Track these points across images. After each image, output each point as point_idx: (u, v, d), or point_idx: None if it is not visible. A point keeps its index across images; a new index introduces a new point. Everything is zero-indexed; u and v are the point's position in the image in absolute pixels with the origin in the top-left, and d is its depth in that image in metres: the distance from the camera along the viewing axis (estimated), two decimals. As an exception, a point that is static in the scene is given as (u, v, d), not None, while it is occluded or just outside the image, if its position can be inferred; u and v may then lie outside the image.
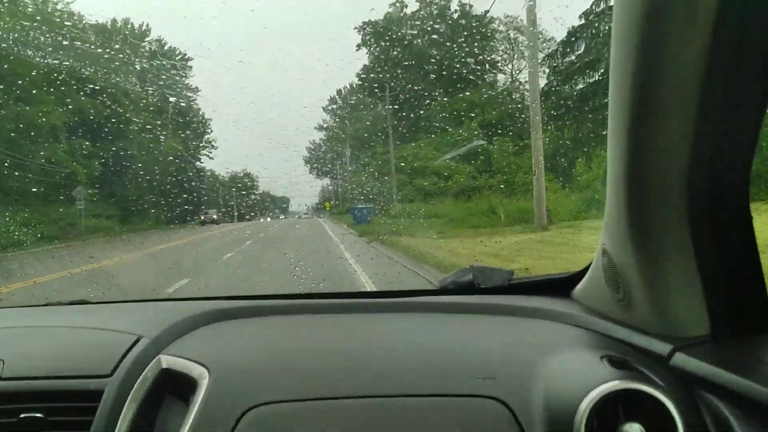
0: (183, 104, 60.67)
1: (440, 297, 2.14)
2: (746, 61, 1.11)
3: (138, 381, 1.59)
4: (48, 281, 12.98)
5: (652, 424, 1.22)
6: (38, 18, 35.52)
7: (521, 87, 46.49)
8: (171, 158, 50.71)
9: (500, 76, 50.61)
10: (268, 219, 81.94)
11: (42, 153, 34.70)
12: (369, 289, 8.02)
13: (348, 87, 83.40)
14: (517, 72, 50.48)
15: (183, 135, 58.07)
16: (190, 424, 1.42)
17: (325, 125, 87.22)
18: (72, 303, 2.34)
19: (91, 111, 37.32)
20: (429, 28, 44.97)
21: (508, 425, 1.37)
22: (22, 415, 1.53)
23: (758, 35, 1.09)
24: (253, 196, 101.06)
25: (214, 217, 51.46)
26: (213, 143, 74.31)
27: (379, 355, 1.67)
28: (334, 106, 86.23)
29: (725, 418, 1.17)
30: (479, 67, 46.70)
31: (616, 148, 1.31)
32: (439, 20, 46.62)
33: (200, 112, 69.73)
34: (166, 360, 1.66)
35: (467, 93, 41.32)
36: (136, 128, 43.98)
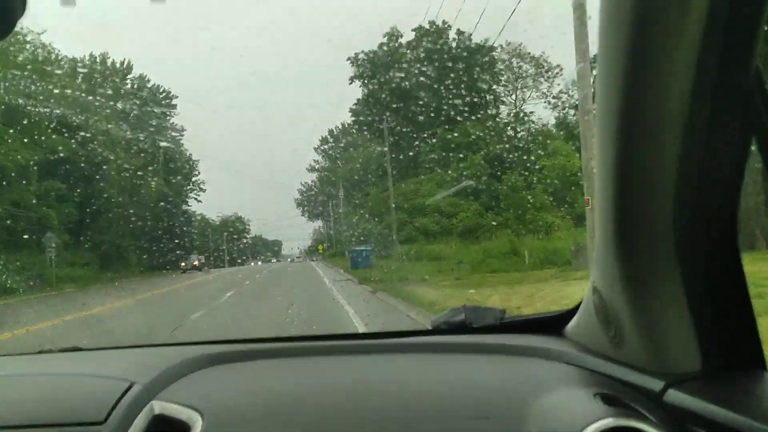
0: (169, 145, 58.39)
1: (432, 337, 2.10)
2: (731, 94, 1.11)
3: (131, 428, 1.58)
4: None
5: None
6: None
7: (526, 118, 44.13)
8: (156, 202, 48.18)
9: (503, 108, 48.56)
10: (259, 263, 79.35)
11: (8, 195, 31.68)
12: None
13: (340, 127, 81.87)
14: (522, 103, 48.88)
15: (170, 178, 55.68)
16: None
17: (316, 166, 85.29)
18: (64, 350, 2.30)
19: (65, 151, 34.58)
20: (417, 70, 43.63)
21: None
22: None
23: (742, 58, 1.09)
24: (245, 240, 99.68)
25: (195, 263, 47.31)
26: (201, 185, 71.77)
27: (372, 397, 1.67)
28: (326, 147, 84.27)
29: None
30: (478, 100, 44.59)
31: (603, 187, 1.31)
32: (434, 54, 44.46)
33: (187, 153, 67.56)
34: (159, 406, 1.65)
35: (469, 124, 39.00)
36: (114, 169, 41.34)
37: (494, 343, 1.93)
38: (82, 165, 37.68)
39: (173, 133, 59.94)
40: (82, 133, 37.65)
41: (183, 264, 45.81)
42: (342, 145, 79.70)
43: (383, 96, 45.50)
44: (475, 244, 30.01)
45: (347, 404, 1.63)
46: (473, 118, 40.61)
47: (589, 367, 1.65)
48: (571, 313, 1.88)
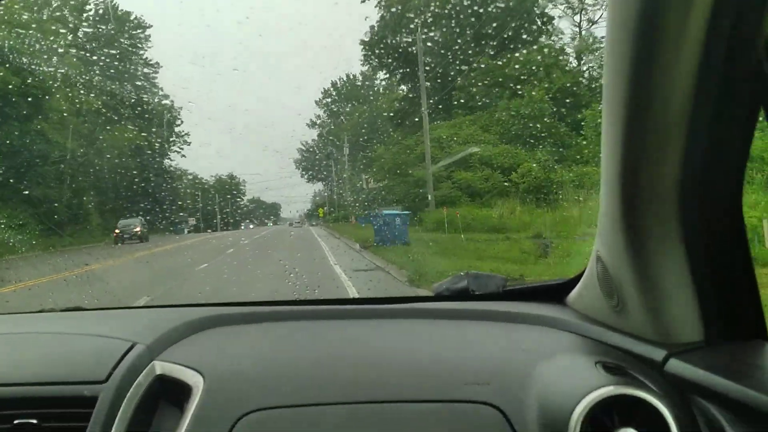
0: (142, 83, 49.31)
1: (435, 303, 2.14)
2: (740, 65, 1.12)
3: (132, 387, 1.58)
4: None
5: (646, 429, 1.23)
6: None
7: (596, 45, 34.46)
8: (128, 154, 39.64)
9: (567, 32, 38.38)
10: (251, 226, 71.74)
11: None
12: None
13: (344, 78, 73.17)
14: (589, 24, 37.82)
15: (144, 125, 46.87)
16: (185, 430, 1.43)
17: (318, 122, 76.47)
18: (67, 309, 2.34)
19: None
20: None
21: (502, 430, 1.38)
22: (16, 421, 1.54)
23: (747, 51, 1.11)
24: (240, 202, 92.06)
25: (137, 230, 35.21)
26: (185, 137, 63.36)
27: (374, 361, 1.67)
28: (328, 100, 75.50)
29: (719, 423, 1.18)
30: (531, 23, 34.89)
31: (609, 157, 1.32)
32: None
33: (168, 99, 58.64)
34: (161, 366, 1.65)
35: (520, 53, 29.97)
36: (65, 109, 32.39)
37: (496, 310, 1.93)
38: (14, 99, 28.64)
39: (145, 70, 50.56)
40: (21, 59, 28.71)
41: (116, 232, 33.93)
42: (344, 98, 71.43)
43: (409, 16, 35.98)
44: (541, 208, 21.44)
45: (347, 367, 1.63)
46: (528, 43, 31.68)
47: (590, 336, 1.65)
48: (574, 281, 1.88)
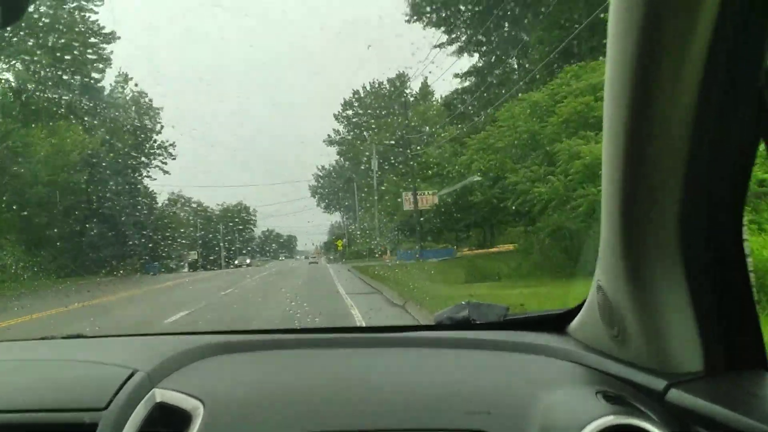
0: (98, 67, 37.77)
1: (436, 332, 2.12)
2: (739, 94, 1.13)
3: (132, 414, 1.58)
4: None
5: None
6: None
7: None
8: (76, 167, 28.41)
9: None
10: (247, 261, 59.15)
11: None
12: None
13: (367, 87, 61.70)
14: None
15: (100, 123, 35.43)
16: None
17: (337, 138, 64.89)
18: (68, 337, 2.33)
19: None
20: None
21: None
22: None
23: (747, 81, 1.12)
24: (252, 234, 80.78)
25: None
26: (169, 149, 51.72)
27: (374, 390, 1.69)
28: (350, 112, 63.92)
29: None
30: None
31: (608, 186, 1.34)
32: None
33: (144, 97, 47.23)
34: (161, 394, 1.66)
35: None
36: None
37: (497, 340, 1.95)
38: None
39: (93, 40, 38.47)
40: None
41: None
42: (369, 108, 59.94)
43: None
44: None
45: (348, 397, 1.65)
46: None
47: (591, 365, 1.66)
48: (575, 311, 1.88)
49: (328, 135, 63.38)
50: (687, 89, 1.12)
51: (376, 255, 41.75)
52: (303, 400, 1.61)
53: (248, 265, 54.72)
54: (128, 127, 40.34)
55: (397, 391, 1.65)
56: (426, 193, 32.00)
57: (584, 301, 1.80)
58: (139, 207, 38.57)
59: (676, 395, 1.31)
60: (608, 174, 1.33)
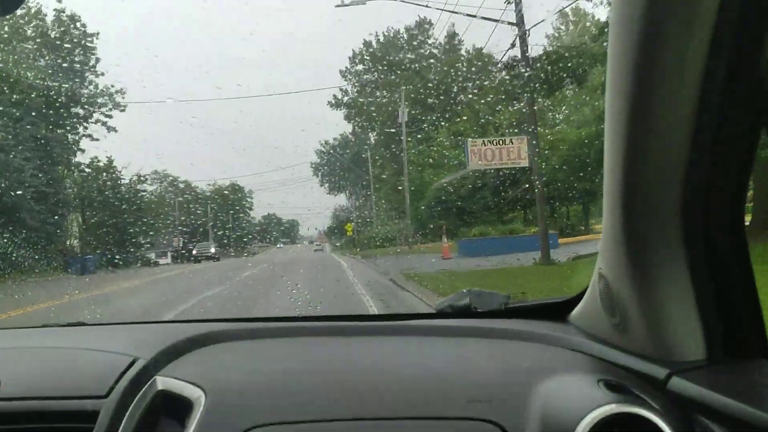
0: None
1: (437, 320, 2.15)
2: (742, 83, 1.14)
3: (134, 402, 1.59)
4: None
5: None
6: None
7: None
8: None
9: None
10: (210, 252, 45.15)
11: None
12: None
13: (381, 37, 50.66)
14: None
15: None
16: None
17: (345, 99, 53.72)
18: (69, 324, 2.37)
19: None
20: None
21: None
22: None
23: (749, 70, 1.12)
24: (248, 220, 70.42)
25: None
26: (116, 96, 40.37)
27: (375, 378, 1.70)
28: (360, 67, 52.78)
29: None
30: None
31: (610, 175, 1.34)
32: None
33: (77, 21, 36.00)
34: (162, 381, 1.67)
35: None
36: None
37: (498, 328, 1.95)
38: None
39: None
40: None
41: None
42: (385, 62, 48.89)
43: None
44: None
45: (350, 385, 1.64)
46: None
47: (593, 354, 1.66)
48: (576, 299, 1.89)
49: (333, 95, 52.22)
50: (688, 80, 1.11)
51: (400, 244, 32.90)
52: (303, 388, 1.61)
53: (215, 257, 41.57)
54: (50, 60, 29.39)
55: (399, 379, 1.65)
56: (506, 142, 20.51)
57: (586, 289, 1.79)
58: (68, 181, 27.88)
59: (677, 384, 1.31)
60: (610, 164, 1.32)
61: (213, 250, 42.71)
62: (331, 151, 67.02)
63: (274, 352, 1.95)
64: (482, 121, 34.66)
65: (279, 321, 2.20)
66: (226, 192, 62.60)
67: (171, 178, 57.16)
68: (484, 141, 20.65)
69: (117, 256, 35.96)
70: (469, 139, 22.58)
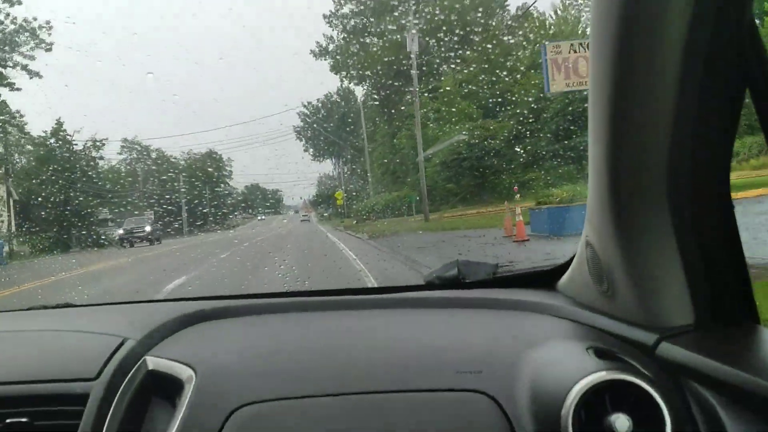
0: None
1: (425, 292, 2.13)
2: (725, 45, 1.13)
3: (124, 383, 1.59)
4: None
5: (639, 414, 1.24)
6: None
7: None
8: None
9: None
10: (145, 231, 35.10)
11: None
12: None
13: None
14: None
15: None
16: (177, 425, 1.44)
17: (330, 47, 46.49)
18: (56, 306, 2.34)
19: None
20: None
21: (495, 418, 1.39)
22: (7, 420, 1.54)
23: (737, 9, 1.11)
24: (227, 191, 64.14)
25: None
26: (39, 33, 33.66)
27: (365, 352, 1.69)
28: (346, 9, 45.67)
29: (712, 407, 1.20)
30: None
31: (596, 141, 1.33)
32: None
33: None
34: (152, 361, 1.66)
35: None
36: None
37: (486, 298, 1.95)
38: None
39: None
40: None
41: None
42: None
43: None
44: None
45: (340, 359, 1.64)
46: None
47: (581, 321, 1.65)
48: (564, 267, 1.89)
49: (317, 43, 44.96)
50: (672, 39, 1.11)
51: (408, 213, 28.16)
52: (293, 364, 1.61)
53: (150, 239, 30.74)
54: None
55: (388, 353, 1.64)
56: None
57: (573, 256, 1.78)
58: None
59: (666, 349, 1.31)
60: (594, 131, 1.31)
61: (148, 228, 30.99)
62: (315, 113, 60.42)
63: (264, 328, 1.93)
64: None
65: (268, 297, 2.17)
66: (202, 161, 56.95)
67: (140, 147, 53.43)
68: (572, 45, 13.81)
69: (65, 236, 29.74)
70: (548, 42, 15.78)
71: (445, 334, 1.75)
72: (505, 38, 34.42)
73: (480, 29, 35.49)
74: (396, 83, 35.98)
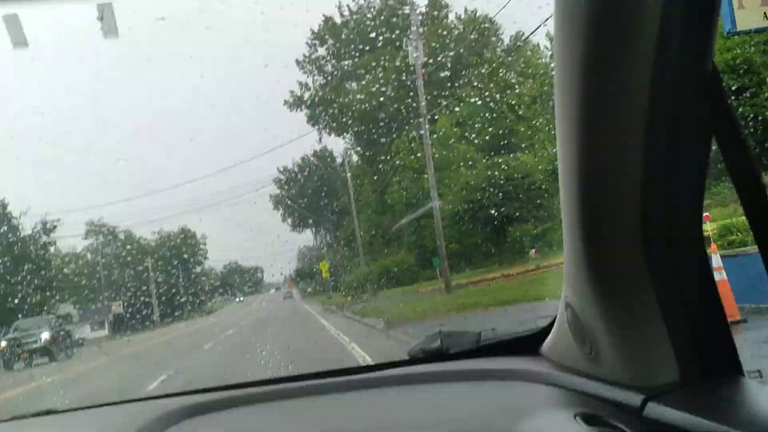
0: None
1: (410, 368, 2.09)
2: (689, 95, 1.14)
3: None
4: None
5: None
6: None
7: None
8: None
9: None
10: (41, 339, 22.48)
11: None
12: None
13: (347, 7, 38.64)
14: None
15: None
16: None
17: (306, 95, 41.06)
18: (38, 414, 2.26)
19: None
20: None
21: None
22: None
23: (699, 58, 1.11)
24: (203, 270, 59.19)
25: None
26: None
27: None
28: (323, 50, 40.27)
29: None
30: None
31: (568, 203, 1.31)
32: None
33: None
34: None
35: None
36: None
37: (472, 369, 1.93)
38: None
39: None
40: None
41: None
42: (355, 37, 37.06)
43: None
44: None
45: None
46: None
47: (567, 386, 1.63)
48: (547, 330, 1.85)
49: (291, 92, 39.75)
50: (636, 96, 1.10)
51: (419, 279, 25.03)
52: None
53: (46, 351, 20.89)
54: None
55: None
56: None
57: (555, 319, 1.76)
58: None
59: (653, 409, 1.30)
60: (567, 191, 1.30)
61: (46, 335, 20.62)
62: (292, 178, 55.95)
63: (249, 420, 1.92)
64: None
65: (251, 386, 2.12)
66: (175, 241, 55.09)
67: (107, 229, 50.75)
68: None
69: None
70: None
71: (433, 409, 1.76)
72: (501, 71, 30.37)
73: (474, 61, 31.30)
74: (380, 128, 31.28)
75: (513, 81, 30.80)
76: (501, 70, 31.80)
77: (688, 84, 1.11)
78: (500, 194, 20.46)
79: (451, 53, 31.09)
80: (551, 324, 1.81)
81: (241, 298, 63.47)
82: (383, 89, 31.20)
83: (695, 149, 1.18)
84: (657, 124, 1.12)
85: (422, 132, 23.78)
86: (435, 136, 28.73)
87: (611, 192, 1.24)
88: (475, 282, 20.71)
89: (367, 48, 33.70)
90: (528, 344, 1.93)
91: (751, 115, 15.10)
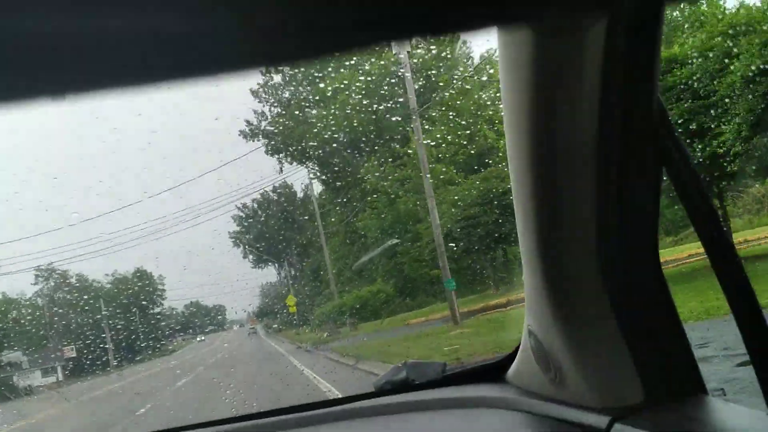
0: None
1: (376, 400, 2.09)
2: (638, 130, 1.15)
3: None
4: None
5: None
6: None
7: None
8: None
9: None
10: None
11: None
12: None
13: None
14: None
15: None
16: None
17: (262, 125, 39.16)
18: None
19: None
20: None
21: None
22: None
23: (645, 93, 1.13)
24: (160, 312, 56.32)
25: None
26: None
27: None
28: (280, 80, 38.46)
29: None
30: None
31: (525, 231, 1.33)
32: None
33: None
34: None
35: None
36: None
37: (438, 398, 1.93)
38: None
39: None
40: None
41: None
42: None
43: None
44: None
45: None
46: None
47: (534, 411, 1.63)
48: (511, 357, 1.85)
49: (246, 122, 37.72)
50: (585, 133, 1.12)
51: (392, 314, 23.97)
52: None
53: None
54: None
55: None
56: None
57: (519, 346, 1.75)
58: None
59: (620, 430, 1.30)
60: (523, 223, 1.32)
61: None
62: (252, 215, 53.95)
63: None
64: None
65: (217, 425, 2.10)
66: (134, 279, 52.25)
67: (57, 274, 47.71)
68: None
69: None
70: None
71: None
72: (473, 90, 29.02)
73: (442, 84, 29.93)
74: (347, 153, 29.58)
75: (485, 98, 29.44)
76: (471, 88, 30.44)
77: (637, 120, 1.12)
78: (497, 210, 18.71)
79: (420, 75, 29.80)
80: (515, 351, 1.78)
81: (202, 338, 60.83)
82: (348, 112, 29.66)
83: (648, 183, 1.19)
84: (609, 161, 1.14)
85: (398, 153, 22.06)
86: (406, 156, 27.30)
87: (567, 223, 1.23)
88: (487, 309, 18.49)
89: (329, 71, 32.15)
90: (493, 372, 1.92)
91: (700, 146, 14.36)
